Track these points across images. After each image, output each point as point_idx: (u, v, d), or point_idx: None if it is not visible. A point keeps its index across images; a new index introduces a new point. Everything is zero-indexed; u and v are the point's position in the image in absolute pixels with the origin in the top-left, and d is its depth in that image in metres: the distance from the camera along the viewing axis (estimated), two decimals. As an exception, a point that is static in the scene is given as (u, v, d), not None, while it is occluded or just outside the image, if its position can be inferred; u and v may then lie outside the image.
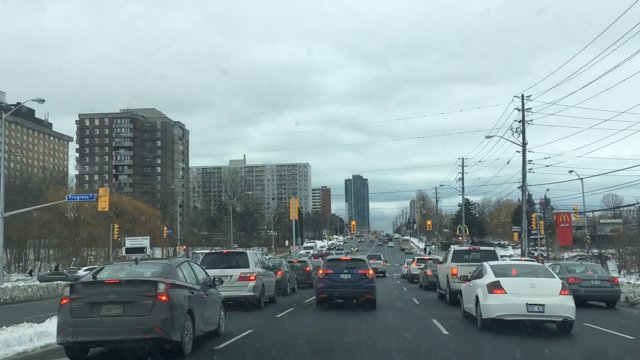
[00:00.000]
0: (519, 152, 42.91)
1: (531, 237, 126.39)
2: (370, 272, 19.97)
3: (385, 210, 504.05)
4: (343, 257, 22.70)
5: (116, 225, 63.82)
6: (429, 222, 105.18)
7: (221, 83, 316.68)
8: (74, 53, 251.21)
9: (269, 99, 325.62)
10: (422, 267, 34.11)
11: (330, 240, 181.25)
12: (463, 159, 72.00)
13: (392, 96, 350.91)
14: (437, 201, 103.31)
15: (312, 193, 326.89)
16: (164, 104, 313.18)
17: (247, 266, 19.27)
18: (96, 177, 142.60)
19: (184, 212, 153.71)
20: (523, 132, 42.68)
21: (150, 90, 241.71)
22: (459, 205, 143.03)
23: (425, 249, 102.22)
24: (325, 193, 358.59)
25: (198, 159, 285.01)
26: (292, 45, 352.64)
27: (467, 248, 23.83)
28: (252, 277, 19.06)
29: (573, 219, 61.17)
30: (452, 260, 21.61)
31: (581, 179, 52.42)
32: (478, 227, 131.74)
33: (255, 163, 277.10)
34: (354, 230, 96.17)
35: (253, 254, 20.81)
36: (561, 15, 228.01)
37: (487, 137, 43.90)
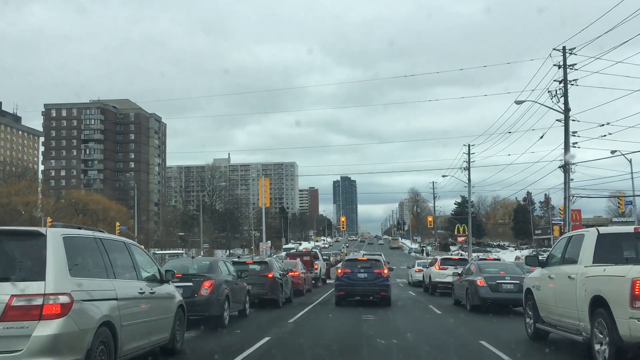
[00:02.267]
0: (559, 120, 33.11)
1: (534, 237, 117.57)
2: (385, 271, 21.13)
3: (373, 214, 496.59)
4: (360, 257, 23.67)
5: (49, 220, 53.12)
6: (429, 219, 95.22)
7: (207, 84, 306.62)
8: (56, 51, 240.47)
9: (255, 101, 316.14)
10: (457, 271, 22.68)
11: (317, 241, 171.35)
12: (469, 145, 62.39)
13: (379, 99, 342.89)
14: (434, 197, 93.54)
15: (300, 194, 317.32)
16: (148, 105, 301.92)
17: (40, 276, 6.66)
18: (63, 173, 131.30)
19: (160, 210, 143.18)
20: (565, 94, 32.84)
21: (134, 91, 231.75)
22: (455, 204, 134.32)
23: (422, 250, 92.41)
24: (312, 194, 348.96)
25: (183, 161, 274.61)
26: (277, 48, 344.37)
27: (630, 230, 10.02)
28: (55, 309, 6.56)
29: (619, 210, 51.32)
30: (603, 259, 9.24)
31: (628, 157, 42.49)
32: (477, 226, 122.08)
33: (241, 162, 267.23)
34: (343, 228, 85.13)
35: (63, 239, 7.18)
36: (549, 19, 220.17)
37: (517, 102, 33.98)
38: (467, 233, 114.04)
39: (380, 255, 37.72)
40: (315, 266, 32.32)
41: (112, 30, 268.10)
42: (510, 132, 37.93)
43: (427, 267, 29.98)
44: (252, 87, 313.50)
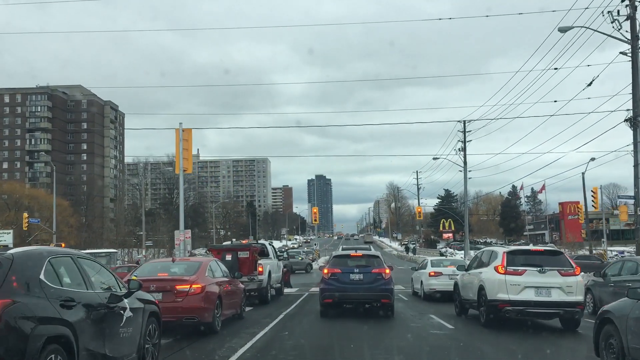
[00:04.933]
0: (624, 53, 22.77)
1: (525, 233, 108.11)
2: (387, 271, 16.68)
3: (348, 214, 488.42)
4: (353, 253, 17.89)
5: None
6: (418, 209, 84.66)
7: (177, 83, 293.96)
8: (14, 43, 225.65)
9: (226, 100, 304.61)
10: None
11: (289, 240, 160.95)
12: (465, 121, 52.14)
13: (350, 99, 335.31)
14: (418, 188, 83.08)
15: (273, 192, 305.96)
16: (117, 104, 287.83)
17: None
18: (6, 165, 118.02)
19: (116, 207, 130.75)
20: (632, 14, 22.52)
21: (101, 90, 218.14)
22: (438, 198, 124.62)
23: (407, 247, 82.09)
24: (286, 192, 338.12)
25: (154, 159, 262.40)
26: (248, 47, 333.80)
27: None
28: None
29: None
30: None
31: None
32: (461, 222, 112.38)
33: (210, 158, 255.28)
34: (316, 221, 74.02)
35: None
36: (512, 18, 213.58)
37: (562, 29, 23.42)
38: (452, 229, 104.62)
39: (370, 249, 26.99)
40: (260, 269, 19.90)
41: (72, 27, 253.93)
42: (556, 69, 27.27)
43: (467, 271, 16.29)
44: (223, 88, 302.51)
